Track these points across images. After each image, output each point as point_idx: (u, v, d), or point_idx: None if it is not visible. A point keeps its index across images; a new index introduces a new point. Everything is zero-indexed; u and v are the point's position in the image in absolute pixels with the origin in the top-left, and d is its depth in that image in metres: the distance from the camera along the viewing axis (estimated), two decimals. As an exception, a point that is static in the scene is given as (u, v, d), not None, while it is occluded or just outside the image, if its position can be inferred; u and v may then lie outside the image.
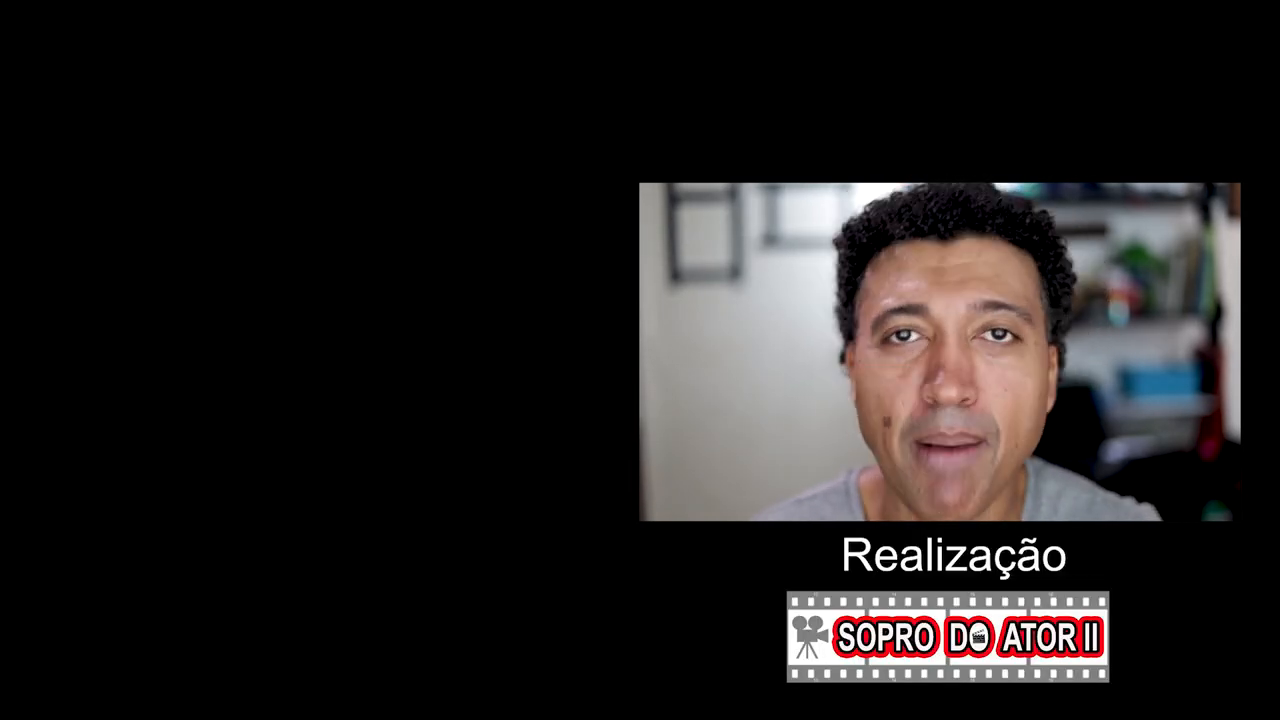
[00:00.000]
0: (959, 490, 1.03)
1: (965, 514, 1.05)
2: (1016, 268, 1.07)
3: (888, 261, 1.08)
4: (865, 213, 1.12)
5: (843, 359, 1.18)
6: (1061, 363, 1.16)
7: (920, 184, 1.12)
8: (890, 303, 1.05)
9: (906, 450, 1.04)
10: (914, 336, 1.04)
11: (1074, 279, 1.14)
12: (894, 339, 1.04)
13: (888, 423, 1.04)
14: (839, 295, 1.15)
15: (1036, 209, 1.11)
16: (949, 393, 1.00)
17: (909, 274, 1.05)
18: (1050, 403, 1.12)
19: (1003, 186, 1.19)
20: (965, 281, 1.03)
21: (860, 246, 1.11)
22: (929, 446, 1.03)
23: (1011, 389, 1.03)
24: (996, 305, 1.03)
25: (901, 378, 1.04)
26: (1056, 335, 1.13)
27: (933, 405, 1.02)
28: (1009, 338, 1.04)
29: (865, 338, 1.08)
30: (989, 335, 1.03)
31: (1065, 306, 1.13)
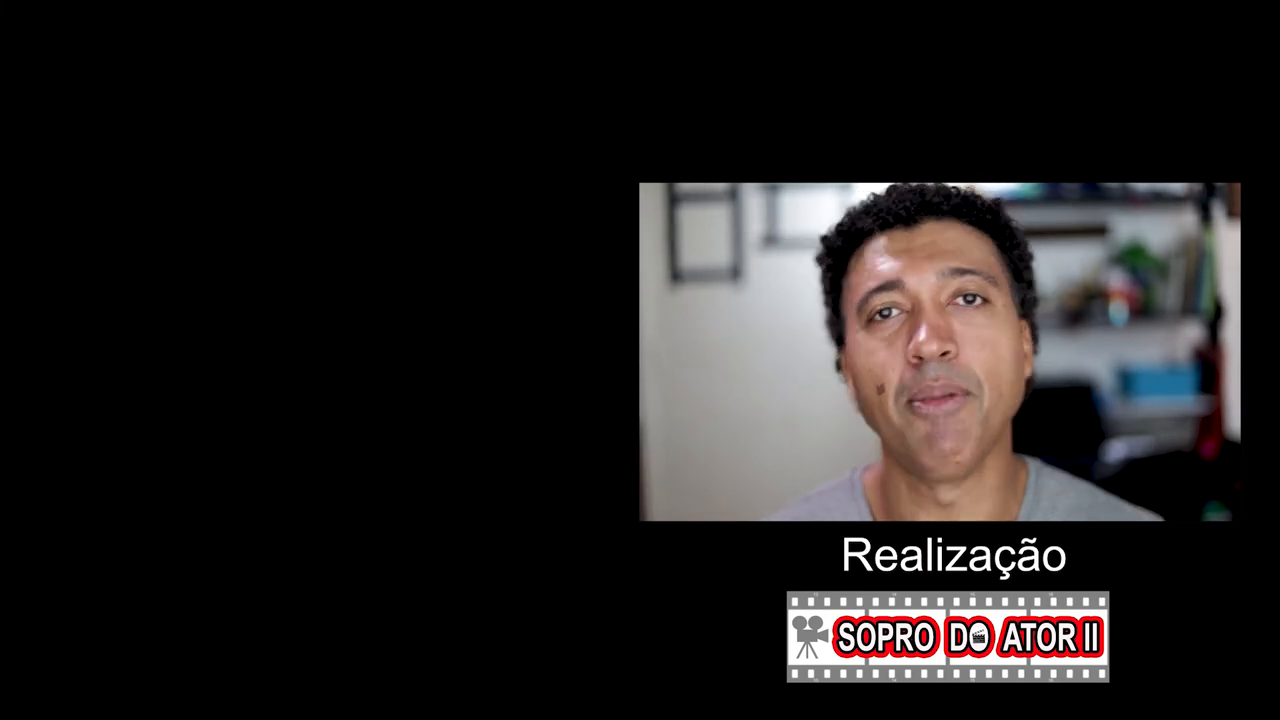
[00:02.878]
0: (954, 437, 1.11)
1: (963, 461, 1.12)
2: (976, 242, 1.18)
3: (863, 254, 1.20)
4: (839, 223, 1.23)
5: (838, 366, 1.26)
6: (1035, 338, 1.23)
7: (884, 185, 1.25)
8: (870, 284, 1.16)
9: (902, 410, 1.13)
10: (894, 312, 1.15)
11: (1031, 256, 1.23)
12: (877, 317, 1.15)
13: (881, 390, 1.14)
14: (827, 304, 1.25)
15: (988, 199, 1.22)
16: (931, 347, 1.11)
17: (882, 258, 1.17)
18: (1028, 370, 1.20)
19: (1003, 187, 1.26)
20: (933, 255, 1.15)
21: (838, 251, 1.22)
22: (921, 402, 1.12)
23: (988, 344, 1.13)
24: (963, 271, 1.14)
25: (888, 349, 1.14)
26: (1025, 310, 1.22)
27: (918, 364, 1.12)
28: (979, 300, 1.14)
29: (853, 325, 1.19)
30: (960, 300, 1.14)
31: (1028, 282, 1.22)
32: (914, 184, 1.21)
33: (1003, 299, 1.16)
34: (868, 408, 1.17)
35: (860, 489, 1.26)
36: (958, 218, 1.19)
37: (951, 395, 1.11)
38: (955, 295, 1.14)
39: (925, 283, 1.14)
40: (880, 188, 1.24)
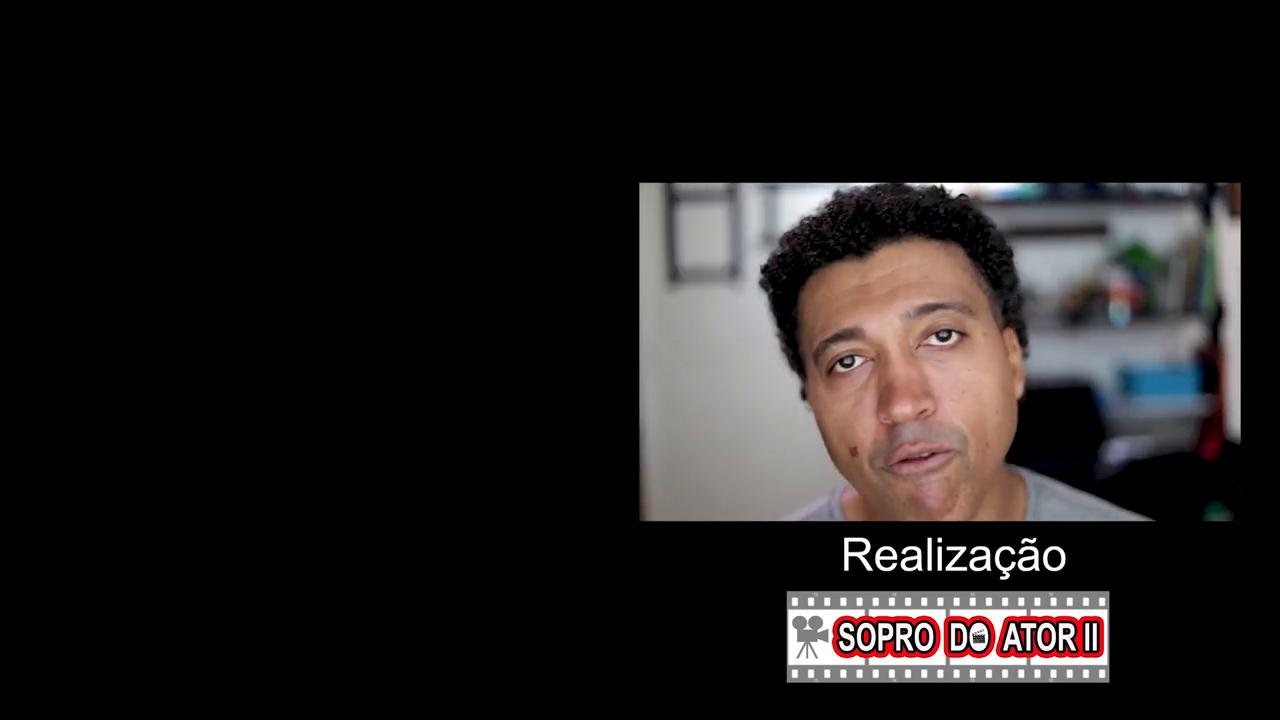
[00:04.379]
0: (939, 494, 0.99)
1: (954, 515, 1.01)
2: (944, 262, 1.02)
3: (812, 293, 1.04)
4: (780, 249, 1.08)
5: (803, 395, 1.14)
6: (1024, 340, 1.11)
7: (825, 202, 1.08)
8: (825, 334, 1.01)
9: (880, 472, 1.01)
10: (858, 361, 1.00)
11: (1009, 254, 1.08)
12: (838, 368, 1.01)
13: (854, 453, 1.01)
14: (779, 335, 1.12)
15: (951, 196, 1.06)
16: (904, 410, 0.97)
17: (835, 299, 1.01)
18: (1019, 388, 1.07)
19: (1003, 187, 1.18)
20: (893, 292, 0.99)
21: (783, 284, 1.07)
22: (901, 462, 0.99)
23: (969, 390, 0.99)
24: (932, 307, 0.99)
25: (855, 406, 1.00)
26: (1009, 316, 1.08)
27: (891, 426, 0.98)
28: (954, 337, 0.99)
29: (812, 371, 1.05)
30: (933, 339, 0.99)
31: (1009, 285, 1.08)
32: (861, 195, 1.05)
33: (982, 327, 1.01)
34: (840, 464, 1.05)
35: (840, 514, 1.20)
36: (918, 233, 1.02)
37: (934, 455, 0.98)
38: (926, 334, 0.99)
39: (889, 327, 0.98)
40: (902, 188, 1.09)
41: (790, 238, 1.07)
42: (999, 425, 1.01)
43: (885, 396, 0.97)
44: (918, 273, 1.00)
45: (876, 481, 1.01)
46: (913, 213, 1.02)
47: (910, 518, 1.02)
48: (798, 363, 1.11)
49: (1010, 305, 1.08)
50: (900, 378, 0.97)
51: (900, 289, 0.99)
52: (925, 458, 0.98)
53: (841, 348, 1.00)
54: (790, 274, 1.06)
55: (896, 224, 1.01)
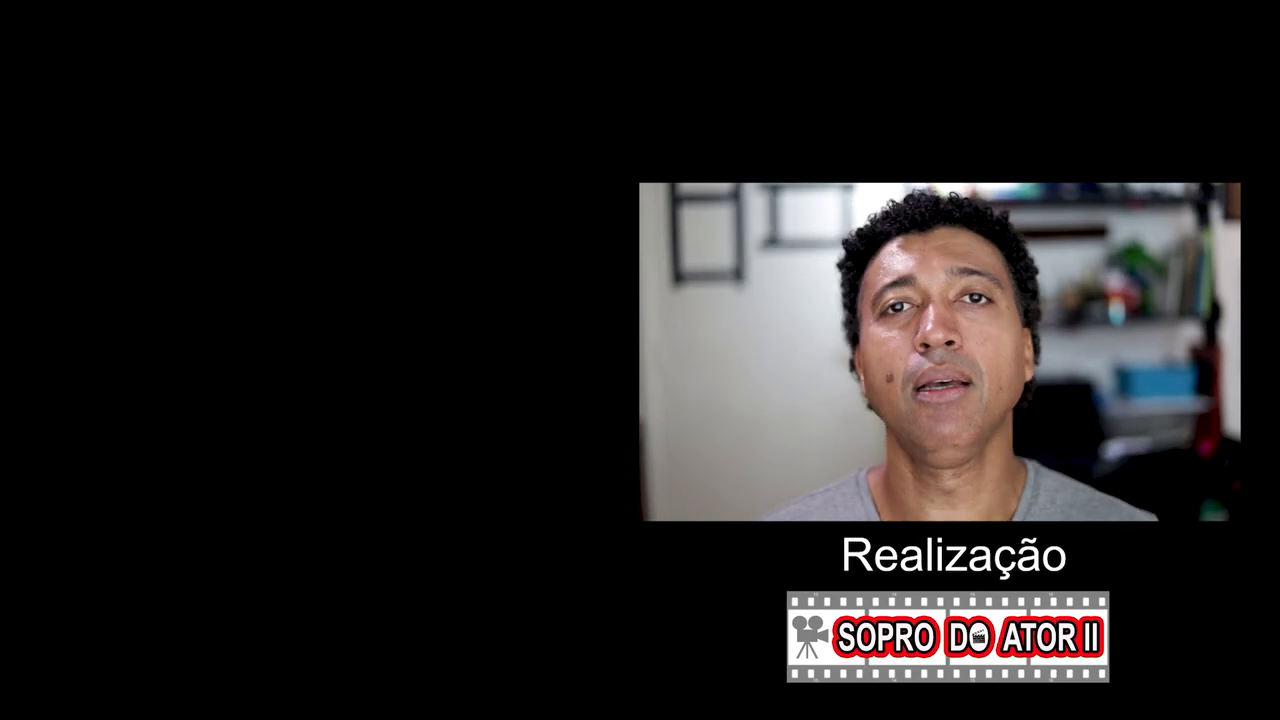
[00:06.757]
0: (955, 422, 1.19)
1: (962, 444, 1.19)
2: (985, 249, 1.27)
3: (879, 256, 1.29)
4: (859, 227, 1.33)
5: (852, 365, 1.34)
6: (1036, 349, 1.31)
7: (904, 191, 1.33)
8: (884, 280, 1.25)
9: (909, 397, 1.21)
10: (906, 306, 1.24)
11: (1036, 270, 1.32)
12: (890, 311, 1.24)
13: (890, 379, 1.22)
14: (845, 305, 1.34)
15: (998, 211, 1.31)
16: (937, 335, 1.19)
17: (897, 257, 1.26)
18: (1029, 374, 1.28)
19: (1003, 187, 1.30)
20: (944, 255, 1.24)
21: (858, 254, 1.31)
22: (927, 391, 1.20)
23: (990, 340, 1.21)
24: (970, 271, 1.23)
25: (898, 338, 1.22)
26: (1029, 320, 1.30)
27: (924, 351, 1.20)
28: (984, 300, 1.23)
29: (867, 319, 1.27)
30: (967, 298, 1.23)
31: (1033, 293, 1.31)
32: (929, 192, 1.29)
33: (1006, 301, 1.25)
34: (876, 396, 1.25)
35: (865, 487, 1.33)
36: (969, 226, 1.28)
37: (955, 383, 1.19)
38: (962, 293, 1.23)
39: (935, 279, 1.23)
40: (885, 188, 1.29)
41: (869, 219, 1.33)
42: (1011, 377, 1.23)
43: (922, 325, 1.21)
44: (964, 247, 1.26)
45: (904, 407, 1.21)
46: (968, 207, 1.29)
47: (926, 441, 1.20)
48: (853, 329, 1.32)
49: (1030, 310, 1.30)
50: (937, 313, 1.21)
51: (949, 254, 1.24)
52: (946, 386, 1.19)
53: (896, 292, 1.24)
54: (866, 243, 1.30)
55: (953, 212, 1.28)
